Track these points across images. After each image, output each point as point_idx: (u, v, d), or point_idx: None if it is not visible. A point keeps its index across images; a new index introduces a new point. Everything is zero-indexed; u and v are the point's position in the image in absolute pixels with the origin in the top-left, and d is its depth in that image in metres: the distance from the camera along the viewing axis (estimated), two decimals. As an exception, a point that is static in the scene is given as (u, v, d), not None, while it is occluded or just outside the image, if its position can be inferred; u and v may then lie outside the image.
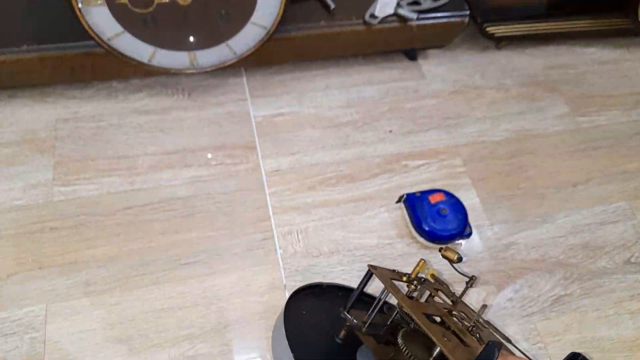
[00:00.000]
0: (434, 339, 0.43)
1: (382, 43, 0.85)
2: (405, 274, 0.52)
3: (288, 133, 0.80)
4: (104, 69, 0.77)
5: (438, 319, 0.50)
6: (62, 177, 0.73)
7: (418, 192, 0.71)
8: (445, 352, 0.42)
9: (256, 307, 0.64)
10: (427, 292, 0.53)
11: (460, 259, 0.52)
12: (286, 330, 0.52)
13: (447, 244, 0.70)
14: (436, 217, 0.68)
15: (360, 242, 0.70)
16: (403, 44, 0.88)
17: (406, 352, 0.46)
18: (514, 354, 0.39)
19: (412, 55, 0.92)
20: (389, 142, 0.81)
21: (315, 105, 0.84)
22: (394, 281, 0.52)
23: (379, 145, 0.80)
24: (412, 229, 0.70)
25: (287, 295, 0.65)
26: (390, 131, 0.82)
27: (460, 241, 0.71)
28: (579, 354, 0.44)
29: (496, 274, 0.69)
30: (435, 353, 0.45)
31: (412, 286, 0.51)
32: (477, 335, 0.48)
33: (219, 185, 0.74)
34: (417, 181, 0.77)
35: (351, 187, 0.75)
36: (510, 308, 0.66)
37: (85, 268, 0.65)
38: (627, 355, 0.64)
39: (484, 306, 0.51)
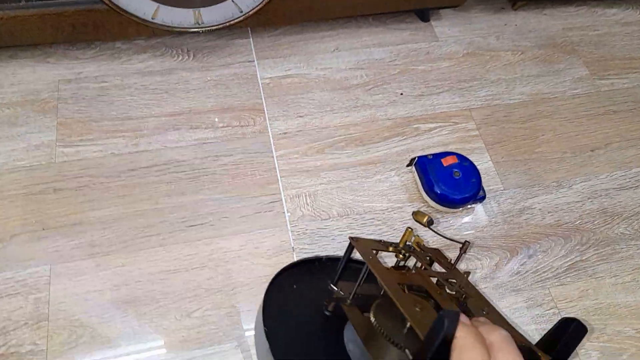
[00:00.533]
0: (401, 308, 0.39)
1: (394, 2, 0.82)
2: (392, 244, 0.49)
3: (296, 95, 0.78)
4: (106, 28, 0.75)
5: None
6: (65, 139, 0.71)
7: (430, 154, 0.68)
8: (410, 321, 0.38)
9: (264, 270, 0.62)
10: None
11: (431, 222, 0.49)
12: (265, 319, 0.50)
13: (459, 208, 0.68)
14: (448, 181, 0.66)
15: (370, 205, 0.68)
16: (416, 4, 0.84)
17: (376, 325, 0.43)
18: (489, 323, 0.34)
19: (424, 16, 0.88)
20: (400, 104, 0.78)
21: (324, 67, 0.81)
22: (382, 252, 0.49)
23: (390, 108, 0.78)
24: (424, 193, 0.68)
25: (296, 258, 0.63)
26: (402, 94, 0.79)
27: (473, 205, 0.69)
28: (573, 319, 0.41)
29: (509, 238, 0.67)
30: (408, 324, 0.42)
31: (401, 256, 0.49)
32: (465, 305, 0.46)
33: (225, 147, 0.72)
34: (428, 145, 0.75)
35: (361, 150, 0.73)
36: (523, 273, 0.65)
37: (89, 229, 0.64)
38: (644, 322, 0.62)
39: (467, 273, 0.49)
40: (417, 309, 0.40)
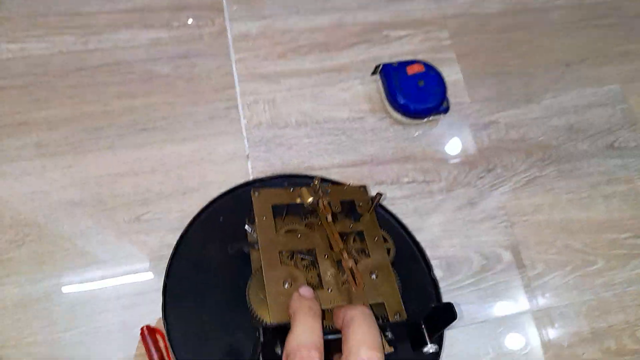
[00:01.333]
0: (266, 287, 0.42)
1: None
2: (300, 194, 0.47)
3: (259, -6, 0.72)
4: None
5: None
6: (9, 34, 0.66)
7: (395, 62, 0.65)
8: (267, 302, 0.41)
9: (217, 176, 0.61)
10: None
11: (313, 204, 0.46)
12: (169, 271, 0.51)
13: (422, 119, 0.66)
14: (412, 90, 0.63)
15: (330, 114, 0.66)
16: None
17: (247, 298, 0.45)
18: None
19: None
20: (371, 9, 0.73)
21: (292, -36, 0.75)
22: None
23: (359, 12, 0.73)
24: (387, 103, 0.65)
25: (250, 166, 0.62)
26: (373, -3, 0.74)
27: (437, 117, 0.66)
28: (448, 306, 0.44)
29: (470, 152, 0.66)
30: None
31: (308, 206, 0.47)
32: (350, 270, 0.43)
33: (181, 49, 0.68)
34: (397, 53, 0.71)
35: (325, 56, 0.70)
36: (480, 186, 0.64)
37: (35, 130, 0.61)
38: (593, 237, 0.63)
39: (379, 195, 0.48)
40: (285, 286, 0.42)
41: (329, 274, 0.44)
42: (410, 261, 0.55)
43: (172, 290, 0.50)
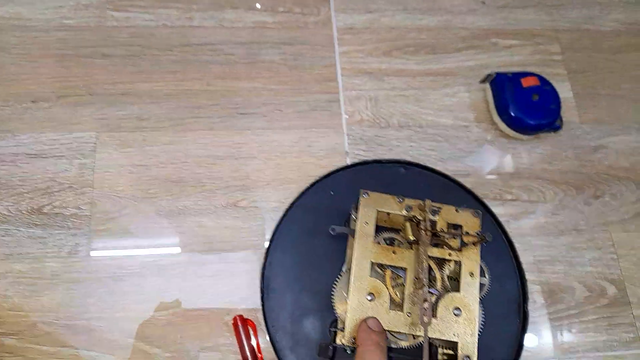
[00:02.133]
0: (350, 294, 0.43)
1: None
2: (408, 206, 0.47)
3: (368, -13, 0.70)
4: None
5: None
6: (115, 1, 0.66)
7: (510, 72, 0.62)
8: (348, 310, 0.42)
9: (314, 169, 0.59)
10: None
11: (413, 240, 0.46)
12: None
13: (531, 135, 0.62)
14: (526, 104, 0.60)
15: (433, 119, 0.64)
16: None
17: (332, 299, 0.46)
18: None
19: None
20: (480, 14, 0.70)
21: (403, -40, 0.72)
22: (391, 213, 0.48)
23: (469, 16, 0.70)
24: (495, 114, 0.62)
25: (349, 162, 0.60)
26: (484, 2, 0.71)
27: (546, 135, 0.63)
28: None
29: (578, 175, 0.62)
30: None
31: (411, 222, 0.47)
32: (438, 295, 0.44)
33: (285, 35, 0.66)
34: (505, 63, 0.68)
35: (431, 58, 0.67)
36: (587, 213, 0.61)
37: (138, 102, 0.60)
38: None
39: (478, 212, 0.48)
40: (368, 298, 0.43)
41: (412, 297, 0.43)
42: (509, 287, 0.52)
43: (273, 252, 0.52)
